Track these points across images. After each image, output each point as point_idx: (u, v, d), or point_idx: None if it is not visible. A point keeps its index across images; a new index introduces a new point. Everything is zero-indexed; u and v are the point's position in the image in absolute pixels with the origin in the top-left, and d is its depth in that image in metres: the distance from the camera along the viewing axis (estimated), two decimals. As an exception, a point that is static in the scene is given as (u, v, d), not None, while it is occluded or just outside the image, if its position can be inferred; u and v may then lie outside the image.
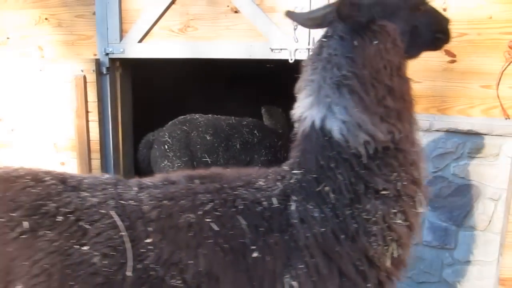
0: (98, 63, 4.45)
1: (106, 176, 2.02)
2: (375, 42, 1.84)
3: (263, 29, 4.00)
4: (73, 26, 4.62)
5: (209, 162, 4.79)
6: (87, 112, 4.48)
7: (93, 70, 4.42)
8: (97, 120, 4.49)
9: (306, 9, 3.79)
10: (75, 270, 1.68)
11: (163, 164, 4.74)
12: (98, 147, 4.55)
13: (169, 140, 4.80)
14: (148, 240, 1.73)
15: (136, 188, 1.90)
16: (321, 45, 2.00)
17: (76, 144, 4.56)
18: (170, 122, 4.99)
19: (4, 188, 1.84)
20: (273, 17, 3.97)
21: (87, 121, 4.49)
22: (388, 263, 1.82)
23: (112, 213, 1.77)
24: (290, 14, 2.21)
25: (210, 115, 5.11)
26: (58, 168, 4.60)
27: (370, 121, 1.79)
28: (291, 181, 1.90)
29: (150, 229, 1.76)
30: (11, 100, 4.71)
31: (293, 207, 1.83)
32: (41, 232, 1.73)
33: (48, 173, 1.98)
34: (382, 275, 1.83)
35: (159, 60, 4.43)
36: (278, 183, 1.92)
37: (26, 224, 1.72)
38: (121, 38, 4.44)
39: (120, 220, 1.76)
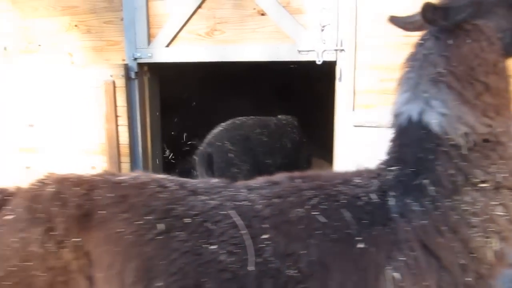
0: (126, 68, 4.50)
1: (215, 180, 2.13)
2: (469, 41, 1.88)
3: (289, 31, 3.98)
4: (102, 32, 4.69)
5: (270, 162, 4.81)
6: (116, 116, 4.53)
7: (122, 75, 4.47)
8: (127, 124, 4.55)
9: (333, 10, 3.77)
10: (206, 267, 1.78)
11: (231, 172, 4.57)
12: (128, 151, 4.60)
13: (232, 147, 4.67)
14: (265, 236, 1.83)
15: (245, 190, 2.01)
16: (417, 46, 2.06)
17: (106, 148, 4.62)
18: (218, 130, 4.83)
19: (136, 194, 1.94)
20: (299, 18, 3.95)
21: (117, 125, 4.55)
22: (489, 255, 1.82)
23: (232, 213, 1.88)
24: (392, 19, 2.30)
25: (252, 116, 5.07)
26: (89, 173, 4.71)
27: (469, 113, 1.84)
28: (388, 177, 1.96)
29: (265, 225, 1.86)
30: (42, 105, 4.80)
31: (391, 202, 1.88)
32: (174, 234, 1.84)
33: (166, 179, 2.08)
34: (483, 268, 1.83)
35: (183, 63, 4.45)
36: (374, 180, 1.98)
37: (161, 226, 1.84)
38: (149, 43, 4.48)
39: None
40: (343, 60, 3.84)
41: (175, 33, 4.36)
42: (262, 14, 4.07)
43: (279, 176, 2.10)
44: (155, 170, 4.86)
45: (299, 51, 3.95)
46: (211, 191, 2.01)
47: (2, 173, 5.08)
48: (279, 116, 5.51)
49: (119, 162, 4.62)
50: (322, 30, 3.83)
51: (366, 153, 3.85)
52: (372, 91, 3.81)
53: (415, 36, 3.54)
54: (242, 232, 1.83)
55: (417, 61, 1.99)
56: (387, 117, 3.68)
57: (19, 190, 2.05)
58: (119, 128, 4.57)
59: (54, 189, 1.94)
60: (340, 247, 1.81)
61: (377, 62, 3.75)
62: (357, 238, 1.81)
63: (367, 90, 3.82)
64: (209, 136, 4.75)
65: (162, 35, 4.41)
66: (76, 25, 4.78)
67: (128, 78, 4.52)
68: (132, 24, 4.48)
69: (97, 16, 4.68)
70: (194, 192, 2.00)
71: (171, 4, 4.35)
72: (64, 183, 1.99)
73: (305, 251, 1.80)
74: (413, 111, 1.94)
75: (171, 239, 1.83)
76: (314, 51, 3.89)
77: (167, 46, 4.42)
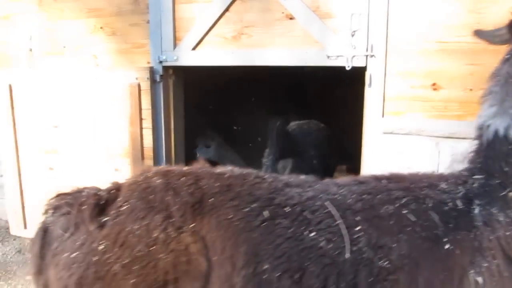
0: (152, 71, 4.46)
1: (304, 176, 2.23)
2: None
3: (318, 36, 3.91)
4: (128, 34, 4.66)
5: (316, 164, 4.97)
6: (141, 119, 4.50)
7: (147, 78, 4.43)
8: (151, 127, 4.51)
9: (364, 15, 3.70)
10: (308, 253, 1.89)
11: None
12: (151, 154, 4.55)
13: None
14: (358, 227, 1.93)
15: (334, 186, 2.12)
16: (503, 61, 2.15)
17: (129, 151, 4.58)
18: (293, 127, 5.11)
19: (239, 183, 2.06)
20: (329, 23, 3.88)
21: (141, 128, 4.51)
22: None
23: (328, 204, 1.98)
24: (477, 33, 2.35)
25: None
26: (112, 175, 4.69)
27: None
28: (474, 185, 2.04)
29: (357, 218, 1.96)
30: (67, 107, 4.78)
31: (476, 210, 1.96)
32: (277, 221, 1.95)
33: (259, 172, 2.22)
34: None
35: (208, 67, 4.40)
36: (460, 187, 2.05)
37: (266, 213, 1.96)
38: (174, 46, 4.44)
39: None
40: (373, 66, 3.76)
41: (201, 36, 4.31)
42: (291, 18, 4.01)
43: (364, 177, 2.24)
44: None
45: (328, 56, 3.87)
46: (304, 184, 2.13)
47: (27, 174, 5.07)
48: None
49: (143, 165, 4.56)
50: (352, 35, 3.76)
51: (396, 161, 3.80)
52: (402, 97, 3.74)
53: (448, 42, 3.51)
54: (338, 221, 1.93)
55: (502, 76, 2.07)
56: (417, 124, 3.65)
57: (125, 183, 2.17)
58: (143, 131, 4.53)
59: (163, 180, 2.05)
60: (429, 246, 1.89)
61: (408, 68, 3.68)
62: (444, 240, 1.89)
63: (398, 96, 3.75)
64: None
65: (188, 38, 4.37)
66: (101, 27, 4.76)
67: (153, 81, 4.48)
68: (158, 27, 4.44)
69: (123, 19, 4.65)
70: (288, 184, 2.11)
71: (198, 7, 4.30)
72: (170, 175, 2.10)
73: (396, 245, 1.88)
74: (499, 125, 2.04)
75: (275, 225, 1.94)
76: (343, 57, 3.82)
77: (193, 49, 4.38)
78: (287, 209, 1.99)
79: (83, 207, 2.04)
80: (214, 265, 1.92)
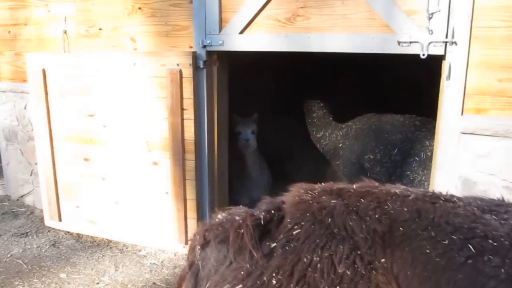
0: (195, 56, 4.01)
1: (484, 197, 1.85)
2: None
3: (387, 18, 3.36)
4: (168, 16, 4.20)
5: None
6: (182, 109, 4.07)
7: (190, 64, 3.98)
8: (193, 118, 4.08)
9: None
10: None
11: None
12: (193, 148, 4.14)
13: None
14: None
15: None
16: None
17: (169, 144, 4.18)
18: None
19: (431, 209, 1.69)
20: (401, 3, 3.31)
21: (182, 119, 4.09)
22: None
23: None
24: None
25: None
26: (151, 169, 4.31)
27: None
28: None
29: None
30: (103, 94, 4.40)
31: None
32: (485, 257, 1.54)
33: (440, 193, 1.86)
34: None
35: (255, 53, 3.92)
36: None
37: (470, 247, 1.57)
38: (220, 29, 3.96)
39: None
40: (453, 55, 3.19)
41: (250, 18, 3.81)
42: (355, -2, 3.45)
43: None
44: (221, 169, 4.40)
45: (399, 42, 3.32)
46: (497, 209, 1.72)
47: (61, 163, 4.74)
48: None
49: (183, 159, 4.18)
50: (430, 17, 3.19)
51: (476, 166, 3.25)
52: (487, 93, 3.17)
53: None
54: None
55: None
56: (504, 125, 3.08)
57: (288, 203, 1.80)
58: (185, 122, 4.10)
59: (340, 201, 1.72)
60: None
61: (495, 58, 3.11)
62: None
63: (481, 91, 3.18)
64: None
65: (236, 20, 3.88)
66: (140, 8, 4.31)
67: (196, 67, 4.02)
68: (203, 7, 3.96)
69: (163, -2, 4.18)
70: (483, 209, 1.72)
71: (247, -15, 3.79)
72: (345, 194, 1.77)
73: None
74: None
75: (483, 263, 1.53)
76: (418, 43, 3.26)
77: (241, 32, 3.88)
78: (494, 242, 1.58)
79: (241, 231, 1.68)
80: None
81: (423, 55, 3.25)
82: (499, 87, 3.12)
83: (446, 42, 3.19)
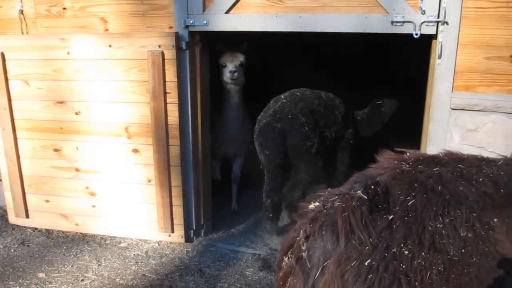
0: (177, 37, 3.73)
1: None
2: None
3: (380, -2, 3.31)
4: (145, -7, 3.83)
5: (328, 136, 4.27)
6: (165, 93, 3.80)
7: (173, 46, 3.70)
8: (177, 102, 3.82)
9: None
10: None
11: (306, 146, 4.01)
12: (177, 132, 3.90)
13: (304, 119, 3.99)
14: None
15: None
16: None
17: (152, 129, 3.90)
18: (281, 102, 4.09)
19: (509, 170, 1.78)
20: (394, -16, 3.27)
21: (165, 103, 3.82)
22: None
23: None
24: None
25: (305, 88, 4.34)
26: (131, 157, 4.00)
27: None
28: None
29: None
30: (75, 79, 3.98)
31: None
32: None
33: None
34: None
35: (240, 33, 3.74)
36: None
37: None
38: (204, 8, 3.71)
39: None
40: (445, 34, 3.24)
41: (237, -4, 3.59)
42: (348, -23, 3.36)
43: None
44: (204, 154, 4.18)
45: (392, 22, 3.30)
46: None
47: (27, 156, 4.25)
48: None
49: (168, 145, 3.92)
50: (422, -3, 3.19)
51: (466, 140, 3.34)
52: (475, 70, 3.26)
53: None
54: None
55: None
56: (492, 100, 3.19)
57: (386, 175, 1.74)
58: (168, 106, 3.83)
59: (442, 168, 1.74)
60: None
61: (484, 38, 3.20)
62: None
63: (470, 69, 3.27)
64: (272, 109, 4.06)
65: (221, -1, 3.64)
66: (111, -15, 3.90)
67: (179, 49, 3.74)
68: (184, -15, 3.67)
69: (138, -26, 3.82)
70: None
71: (234, -38, 3.56)
72: (442, 161, 1.78)
73: None
74: None
75: None
76: (411, 23, 3.26)
77: (227, 12, 3.66)
78: None
79: (347, 214, 1.60)
80: None
81: (416, 34, 3.26)
82: (486, 65, 3.22)
83: (438, 22, 3.22)
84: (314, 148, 4.01)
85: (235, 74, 4.24)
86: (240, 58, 4.35)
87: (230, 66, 4.28)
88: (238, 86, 4.39)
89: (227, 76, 4.29)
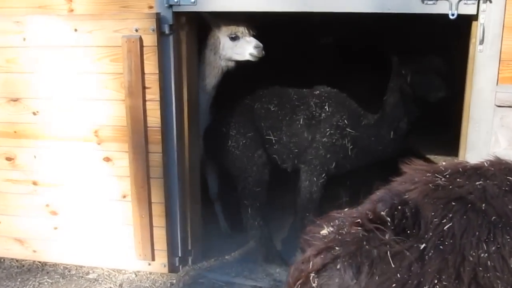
0: (159, 19, 3.66)
1: None
2: None
3: (408, -29, 3.27)
4: (118, -34, 3.79)
5: (273, 140, 4.31)
6: (144, 88, 3.74)
7: (153, 29, 3.64)
8: (158, 99, 3.76)
9: None
10: None
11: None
12: (159, 137, 3.84)
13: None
14: None
15: None
16: None
17: (128, 133, 3.84)
18: None
19: None
20: (425, -48, 3.23)
21: (144, 100, 3.76)
22: None
23: None
24: None
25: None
26: (101, 167, 3.97)
27: None
28: None
29: None
30: (32, 72, 3.90)
31: None
32: None
33: None
34: None
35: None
36: None
37: None
38: (191, -17, 3.65)
39: None
40: (487, 14, 3.19)
41: (233, -31, 3.55)
42: None
43: None
44: (192, 162, 4.11)
45: (423, 1, 3.25)
46: None
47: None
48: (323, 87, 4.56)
49: (147, 153, 3.85)
50: (460, -31, 3.14)
51: (514, 142, 3.28)
52: (526, 59, 3.21)
53: None
54: None
55: None
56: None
57: (414, 191, 1.66)
58: (148, 104, 3.77)
59: (486, 182, 1.65)
60: None
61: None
62: None
63: (520, 57, 3.22)
64: None
65: (213, -27, 3.60)
66: (76, -45, 3.82)
67: (160, 33, 3.68)
68: (167, -45, 3.63)
69: None
70: None
71: None
72: (485, 172, 1.69)
73: None
74: None
75: None
76: (446, 1, 3.21)
77: (219, -12, 3.60)
78: None
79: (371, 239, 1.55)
80: None
81: (452, 15, 3.22)
82: (540, 53, 3.17)
83: (479, 0, 3.16)
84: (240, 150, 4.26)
85: (261, 50, 4.05)
86: (253, 31, 4.17)
87: (252, 40, 4.08)
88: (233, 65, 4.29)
89: (248, 51, 4.08)
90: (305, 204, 4.27)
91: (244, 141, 4.27)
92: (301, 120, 4.25)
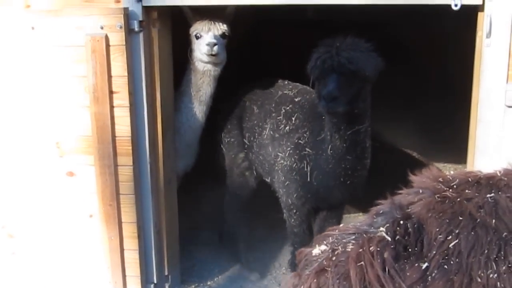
0: (126, 14, 3.59)
1: None
2: None
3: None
4: (80, -45, 3.72)
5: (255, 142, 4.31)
6: (111, 92, 3.69)
7: (120, 26, 3.58)
8: (128, 105, 3.71)
9: None
10: None
11: None
12: (129, 148, 3.78)
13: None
14: None
15: None
16: None
17: (93, 144, 3.78)
18: None
19: None
20: None
21: (112, 106, 3.72)
22: None
23: None
24: None
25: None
26: (64, 183, 3.89)
27: None
28: None
29: None
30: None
31: None
32: None
33: None
34: None
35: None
36: None
37: None
38: (164, -27, 3.60)
39: None
40: (494, 4, 3.15)
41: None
42: None
43: None
44: (167, 174, 4.02)
45: (424, -10, 3.20)
46: None
47: None
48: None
49: (115, 166, 3.77)
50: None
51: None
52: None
53: None
54: None
55: None
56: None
57: (418, 206, 1.69)
58: (116, 111, 3.71)
59: (498, 194, 1.67)
60: None
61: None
62: None
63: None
64: None
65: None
66: None
67: (129, 30, 3.62)
68: None
69: None
70: None
71: None
72: (498, 183, 1.70)
73: None
74: None
75: None
76: (449, -10, 3.19)
77: (197, -21, 3.53)
78: None
79: (363, 263, 1.58)
80: None
81: (456, 5, 3.18)
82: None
83: (487, -8, 3.16)
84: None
85: (215, 48, 3.82)
86: (222, 27, 3.96)
87: (207, 36, 3.89)
88: (217, 68, 4.04)
89: (202, 50, 3.90)
90: (290, 236, 4.16)
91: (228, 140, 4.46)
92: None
